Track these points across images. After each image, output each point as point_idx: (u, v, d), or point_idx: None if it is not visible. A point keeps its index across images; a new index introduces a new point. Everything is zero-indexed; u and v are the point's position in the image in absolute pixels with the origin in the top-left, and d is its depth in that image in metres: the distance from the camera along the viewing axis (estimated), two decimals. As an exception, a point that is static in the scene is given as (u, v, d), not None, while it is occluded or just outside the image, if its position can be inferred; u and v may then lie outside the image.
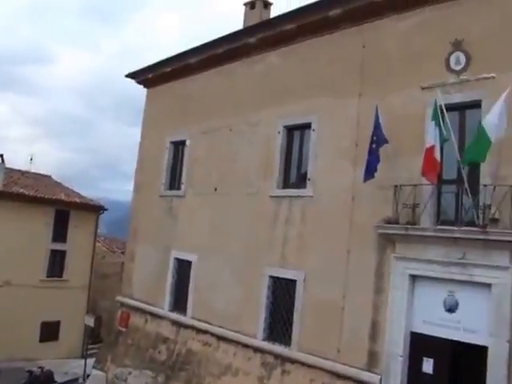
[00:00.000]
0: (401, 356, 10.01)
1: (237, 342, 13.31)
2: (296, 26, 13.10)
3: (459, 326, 9.53)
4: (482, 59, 9.88)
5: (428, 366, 9.90)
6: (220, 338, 13.88)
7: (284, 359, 12.10)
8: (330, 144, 11.90)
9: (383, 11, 11.45)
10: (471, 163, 9.49)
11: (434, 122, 9.52)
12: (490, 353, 8.94)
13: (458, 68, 10.21)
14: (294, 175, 13.19)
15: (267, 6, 16.97)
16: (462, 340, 9.44)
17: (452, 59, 10.29)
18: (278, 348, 12.28)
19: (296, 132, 13.24)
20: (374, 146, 10.36)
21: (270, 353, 12.43)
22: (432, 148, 9.42)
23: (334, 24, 12.32)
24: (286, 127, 13.30)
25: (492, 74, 9.64)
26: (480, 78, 9.81)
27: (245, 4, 17.36)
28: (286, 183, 13.22)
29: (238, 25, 17.07)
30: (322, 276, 11.63)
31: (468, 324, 9.42)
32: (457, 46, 10.23)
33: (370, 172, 10.40)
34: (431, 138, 9.50)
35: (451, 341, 9.57)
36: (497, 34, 9.79)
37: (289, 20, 13.22)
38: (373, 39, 11.69)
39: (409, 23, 11.12)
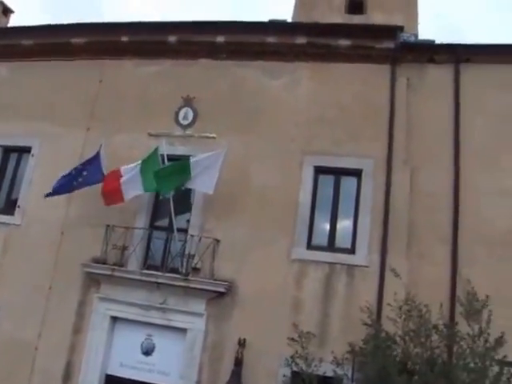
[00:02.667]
0: (89, 399, 9.79)
1: None
2: (34, 44, 12.33)
3: (154, 368, 9.82)
4: (207, 119, 10.78)
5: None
6: None
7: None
8: (49, 173, 11.07)
9: (125, 52, 11.66)
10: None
11: (141, 164, 9.93)
12: (180, 394, 9.37)
13: (185, 123, 10.94)
14: (2, 200, 12.06)
15: (7, 13, 15.62)
16: (154, 383, 9.70)
17: (181, 113, 10.99)
18: None
19: (13, 154, 12.26)
20: (84, 173, 10.32)
21: None
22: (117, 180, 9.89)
23: (76, 52, 12.01)
24: (2, 147, 12.20)
25: (213, 135, 10.57)
26: (203, 136, 10.66)
27: (-19, 4, 15.71)
28: (-11, 208, 12.02)
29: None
30: (17, 312, 10.68)
31: (162, 367, 9.78)
32: (188, 102, 10.98)
33: (56, 191, 10.37)
34: (129, 173, 9.91)
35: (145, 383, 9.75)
36: (223, 99, 10.84)
37: (27, 35, 12.38)
38: (111, 76, 11.73)
39: (148, 70, 11.53)
